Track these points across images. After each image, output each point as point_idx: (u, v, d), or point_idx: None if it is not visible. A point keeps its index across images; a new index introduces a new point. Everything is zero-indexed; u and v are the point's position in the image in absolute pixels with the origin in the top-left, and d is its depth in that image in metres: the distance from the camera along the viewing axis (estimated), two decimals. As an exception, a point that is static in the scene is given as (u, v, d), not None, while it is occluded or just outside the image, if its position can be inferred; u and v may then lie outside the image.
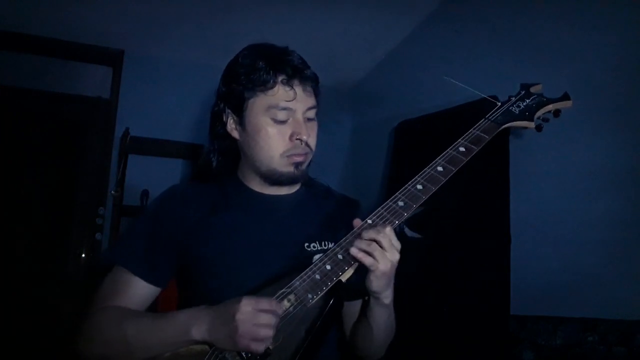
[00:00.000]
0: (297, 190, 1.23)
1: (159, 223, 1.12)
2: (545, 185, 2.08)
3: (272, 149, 1.10)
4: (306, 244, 1.13)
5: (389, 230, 0.97)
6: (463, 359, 2.03)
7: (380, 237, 0.95)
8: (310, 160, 1.18)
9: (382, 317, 1.09)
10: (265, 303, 0.92)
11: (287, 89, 1.07)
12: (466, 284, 2.09)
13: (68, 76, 3.04)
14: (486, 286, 2.04)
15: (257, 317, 0.90)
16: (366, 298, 1.10)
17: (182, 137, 3.03)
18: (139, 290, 1.08)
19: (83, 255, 2.91)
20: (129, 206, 2.83)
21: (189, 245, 1.10)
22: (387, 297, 1.03)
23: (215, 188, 1.18)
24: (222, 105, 1.18)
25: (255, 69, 1.08)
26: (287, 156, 1.10)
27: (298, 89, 1.08)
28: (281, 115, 1.08)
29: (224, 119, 1.17)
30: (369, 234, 0.96)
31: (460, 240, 2.16)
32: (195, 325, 0.94)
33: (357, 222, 1.02)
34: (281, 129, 1.09)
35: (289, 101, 1.07)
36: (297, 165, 1.11)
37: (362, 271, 1.00)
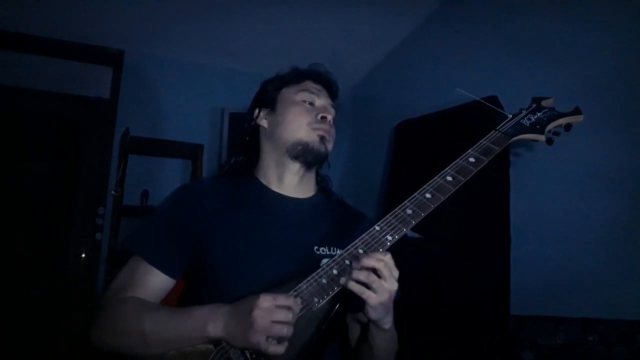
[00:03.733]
0: (313, 196, 1.26)
1: (175, 215, 1.14)
2: (546, 185, 2.08)
3: (300, 119, 1.20)
4: (316, 247, 1.14)
5: (389, 258, 0.95)
6: (463, 359, 2.03)
7: (381, 266, 0.94)
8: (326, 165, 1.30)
9: (383, 340, 1.09)
10: (283, 299, 0.92)
11: (315, 83, 1.27)
12: (466, 284, 2.09)
13: (68, 76, 3.04)
14: (486, 286, 2.04)
15: (274, 314, 0.90)
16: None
17: (182, 137, 3.03)
18: (156, 282, 1.10)
19: (83, 255, 2.91)
20: (129, 206, 2.83)
21: (201, 239, 1.11)
22: (386, 323, 1.03)
23: (232, 183, 1.22)
24: (255, 107, 1.30)
25: (295, 70, 1.30)
26: (313, 128, 1.19)
27: (322, 89, 1.27)
28: (310, 98, 1.24)
29: (254, 115, 1.29)
30: (369, 261, 0.94)
31: (460, 240, 2.16)
32: (212, 321, 0.95)
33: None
34: (308, 108, 1.23)
35: (318, 91, 1.26)
36: (322, 137, 1.20)
37: None
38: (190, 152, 3.04)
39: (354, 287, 0.94)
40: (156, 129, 3.00)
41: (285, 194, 1.21)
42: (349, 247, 1.00)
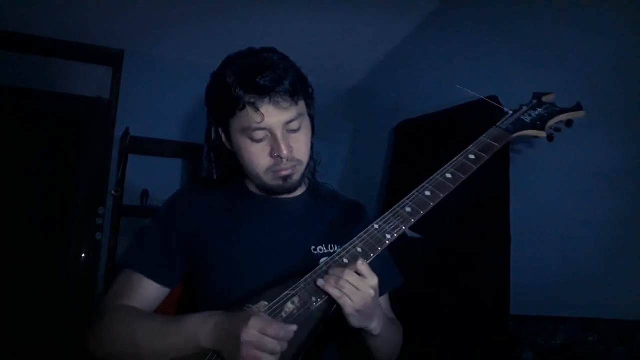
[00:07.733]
0: (302, 194, 1.23)
1: (170, 224, 1.13)
2: (546, 185, 2.08)
3: (256, 166, 1.09)
4: (312, 247, 1.12)
5: (359, 265, 0.93)
6: (463, 359, 2.03)
7: (345, 276, 0.92)
8: (309, 167, 1.18)
9: (377, 344, 1.07)
10: (273, 328, 0.87)
11: (254, 110, 1.03)
12: (466, 284, 2.09)
13: (68, 76, 3.04)
14: (486, 286, 2.04)
15: (261, 342, 0.86)
16: None
17: (182, 137, 3.03)
18: (149, 292, 1.08)
19: (83, 255, 2.90)
20: (129, 206, 2.83)
21: (196, 248, 1.11)
22: (374, 329, 1.00)
23: (222, 192, 1.19)
24: (212, 120, 1.18)
25: (227, 89, 1.06)
26: (273, 172, 1.09)
27: (268, 108, 1.03)
28: (257, 135, 1.06)
29: (216, 133, 1.17)
30: (334, 271, 0.94)
31: (460, 240, 2.16)
32: (204, 333, 0.93)
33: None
34: (260, 147, 1.07)
35: (260, 122, 1.04)
36: (284, 178, 1.10)
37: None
38: (190, 152, 3.03)
39: (330, 290, 0.93)
40: (156, 129, 2.99)
41: (274, 196, 1.18)
42: (347, 246, 1.00)
